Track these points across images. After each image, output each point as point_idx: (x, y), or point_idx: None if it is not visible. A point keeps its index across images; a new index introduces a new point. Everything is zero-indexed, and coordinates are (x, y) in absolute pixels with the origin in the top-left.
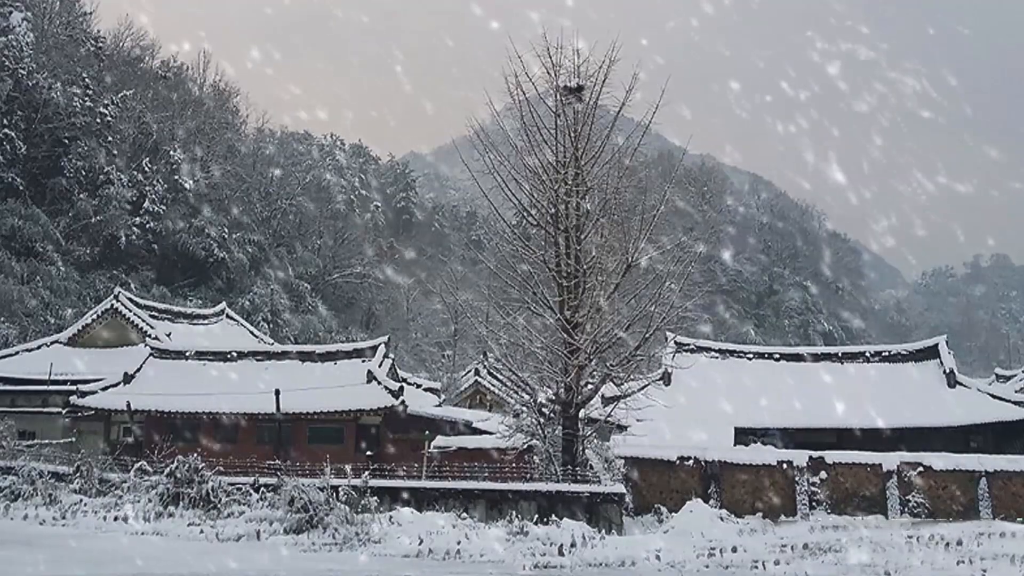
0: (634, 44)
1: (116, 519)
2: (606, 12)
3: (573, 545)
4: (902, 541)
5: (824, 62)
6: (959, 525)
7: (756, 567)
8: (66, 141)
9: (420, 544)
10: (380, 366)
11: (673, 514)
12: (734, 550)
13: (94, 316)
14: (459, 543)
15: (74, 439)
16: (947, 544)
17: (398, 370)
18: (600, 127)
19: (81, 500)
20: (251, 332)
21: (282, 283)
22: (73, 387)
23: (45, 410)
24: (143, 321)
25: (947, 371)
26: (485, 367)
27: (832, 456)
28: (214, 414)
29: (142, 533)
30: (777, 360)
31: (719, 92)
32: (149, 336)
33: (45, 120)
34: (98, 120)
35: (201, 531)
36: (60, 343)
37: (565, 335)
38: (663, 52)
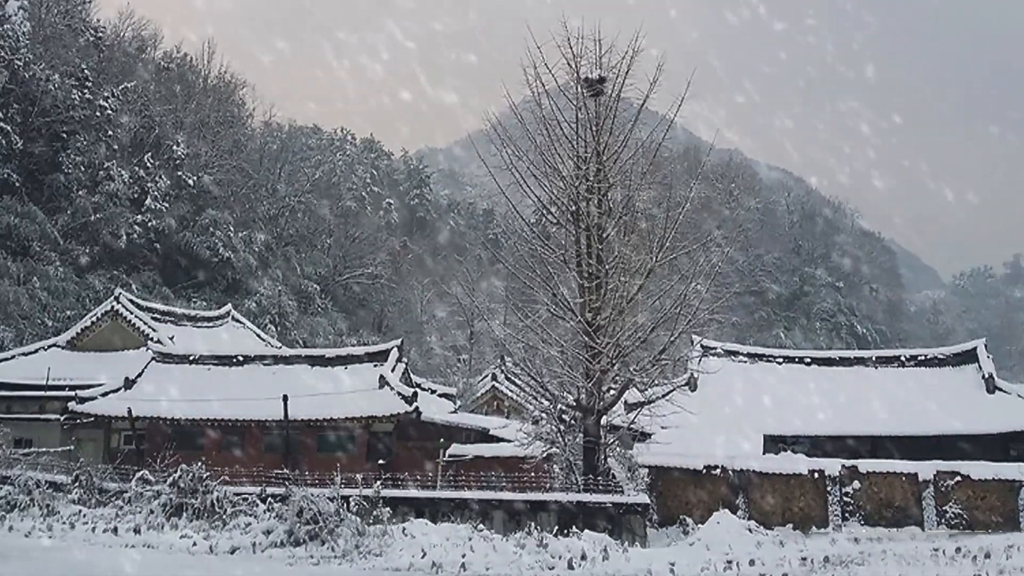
0: (660, 34)
1: (105, 531)
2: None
3: (583, 558)
4: (927, 554)
5: (854, 57)
6: (997, 537)
7: None
8: (64, 135)
9: (423, 557)
10: (393, 371)
11: (700, 526)
12: (751, 563)
13: (94, 318)
14: (464, 556)
15: (73, 447)
16: (974, 557)
17: (412, 375)
18: (623, 121)
19: (80, 511)
20: (258, 335)
21: (290, 284)
22: (72, 393)
23: (42, 416)
24: (145, 324)
25: (986, 376)
26: (502, 372)
27: (866, 465)
28: (219, 421)
29: (131, 545)
30: (808, 364)
31: (748, 86)
32: (151, 339)
33: (42, 113)
34: (98, 114)
35: (194, 543)
36: (58, 347)
37: (586, 338)
38: (689, 43)
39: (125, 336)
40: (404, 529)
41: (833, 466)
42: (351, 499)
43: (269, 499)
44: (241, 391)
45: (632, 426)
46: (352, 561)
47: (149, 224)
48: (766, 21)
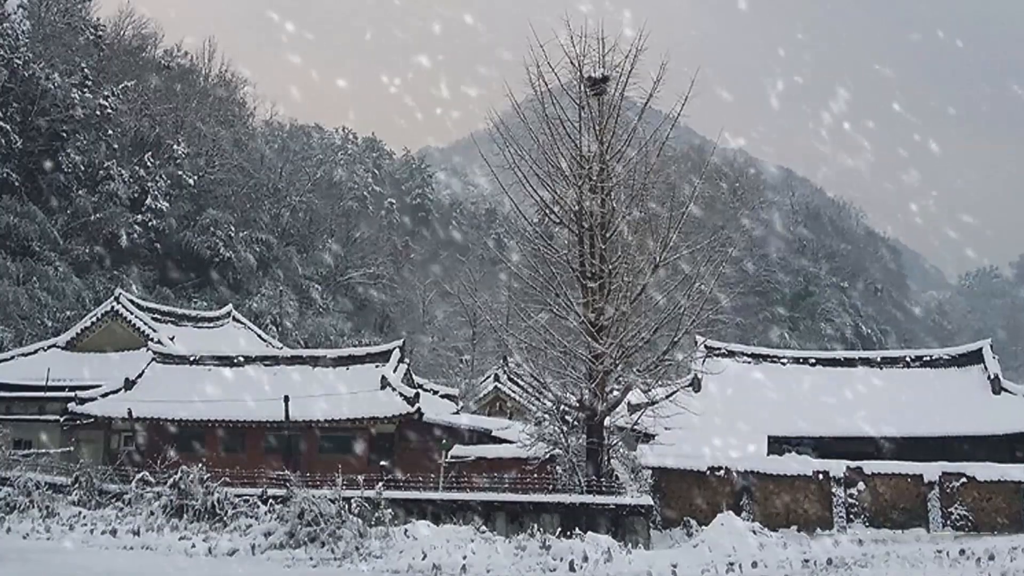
0: (663, 33)
1: (104, 532)
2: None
3: (585, 560)
4: (931, 556)
5: (858, 55)
6: (1002, 539)
7: None
8: (64, 135)
9: (423, 559)
10: (395, 371)
11: (703, 527)
12: (754, 565)
13: (93, 319)
14: (465, 557)
15: (72, 448)
16: (978, 559)
17: (413, 376)
18: (626, 120)
19: (79, 513)
20: (259, 336)
21: (291, 284)
22: (71, 393)
23: (42, 418)
24: (145, 324)
25: (991, 377)
26: (505, 373)
27: (871, 466)
28: (220, 422)
29: (130, 547)
30: (813, 365)
31: (753, 85)
32: (151, 340)
33: (42, 112)
34: (98, 112)
35: (193, 545)
36: (58, 347)
37: (589, 339)
38: (693, 42)
39: (125, 336)
40: (406, 531)
41: (838, 467)
42: (353, 500)
43: (270, 500)
44: (242, 392)
45: (635, 427)
46: (352, 563)
47: (149, 224)
48: (771, 20)
